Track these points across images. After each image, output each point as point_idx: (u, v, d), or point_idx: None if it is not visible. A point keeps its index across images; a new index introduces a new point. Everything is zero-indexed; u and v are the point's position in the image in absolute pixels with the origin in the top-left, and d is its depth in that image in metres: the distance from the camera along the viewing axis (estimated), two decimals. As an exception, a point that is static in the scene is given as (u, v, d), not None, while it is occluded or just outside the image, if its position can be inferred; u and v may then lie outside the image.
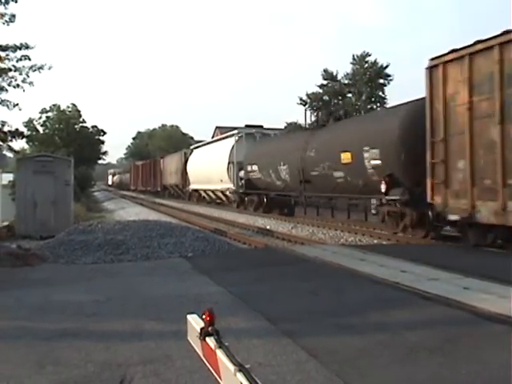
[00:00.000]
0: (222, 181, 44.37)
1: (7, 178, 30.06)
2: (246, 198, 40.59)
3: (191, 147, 63.27)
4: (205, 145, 57.03)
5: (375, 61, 66.03)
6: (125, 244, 15.50)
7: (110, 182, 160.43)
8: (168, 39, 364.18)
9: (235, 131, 45.24)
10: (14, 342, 7.24)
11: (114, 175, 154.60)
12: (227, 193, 44.68)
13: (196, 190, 55.67)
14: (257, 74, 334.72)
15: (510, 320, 7.58)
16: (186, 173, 58.33)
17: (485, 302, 8.72)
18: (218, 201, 49.24)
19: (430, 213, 17.94)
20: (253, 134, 43.57)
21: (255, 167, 37.07)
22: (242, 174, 40.43)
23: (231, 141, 44.32)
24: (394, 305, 8.91)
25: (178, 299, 9.37)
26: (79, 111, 67.29)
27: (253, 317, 8.26)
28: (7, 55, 27.75)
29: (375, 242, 21.18)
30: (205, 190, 52.12)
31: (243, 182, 40.15)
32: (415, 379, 5.80)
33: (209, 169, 47.69)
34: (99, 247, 15.32)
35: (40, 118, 64.30)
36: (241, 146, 42.16)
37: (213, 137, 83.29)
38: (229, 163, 42.92)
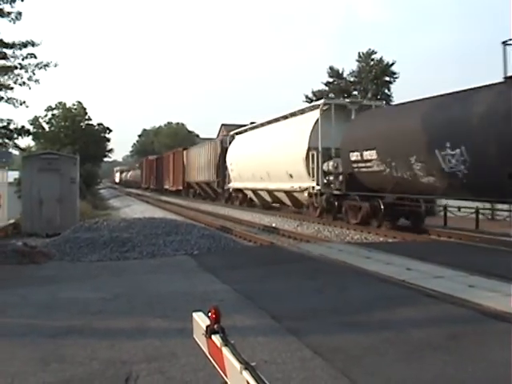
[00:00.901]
0: (292, 176, 31.25)
1: (13, 175, 30.06)
2: (346, 204, 26.18)
3: (231, 133, 47.71)
4: (257, 127, 41.47)
5: (381, 58, 66.15)
6: (130, 242, 15.50)
7: (117, 180, 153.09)
8: (174, 37, 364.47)
9: (319, 101, 31.25)
10: (19, 339, 7.25)
11: (121, 172, 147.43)
12: (304, 195, 30.21)
13: (240, 190, 42.93)
14: (262, 72, 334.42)
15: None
16: (225, 167, 45.37)
17: (490, 300, 8.71)
18: (277, 205, 37.60)
19: None
20: (345, 107, 29.19)
21: (370, 154, 23.14)
22: (328, 165, 27.76)
23: (313, 116, 29.76)
24: (399, 303, 8.90)
25: (184, 297, 9.38)
26: (85, 109, 67.20)
27: (258, 315, 8.26)
28: (13, 53, 27.79)
29: (381, 239, 21.17)
30: (255, 190, 38.90)
31: (337, 178, 27.18)
32: (421, 377, 5.79)
33: (268, 160, 34.29)
34: (105, 245, 15.33)
35: (46, 115, 64.26)
36: (328, 124, 28.10)
37: (218, 135, 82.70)
38: (309, 150, 28.89)
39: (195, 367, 5.82)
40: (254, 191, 39.24)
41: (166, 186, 74.05)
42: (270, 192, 35.96)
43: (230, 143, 46.28)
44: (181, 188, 65.74)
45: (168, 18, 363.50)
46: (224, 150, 46.95)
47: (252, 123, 45.38)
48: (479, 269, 11.41)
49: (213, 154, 51.32)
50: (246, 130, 44.14)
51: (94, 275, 12.15)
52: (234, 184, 43.88)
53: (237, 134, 45.88)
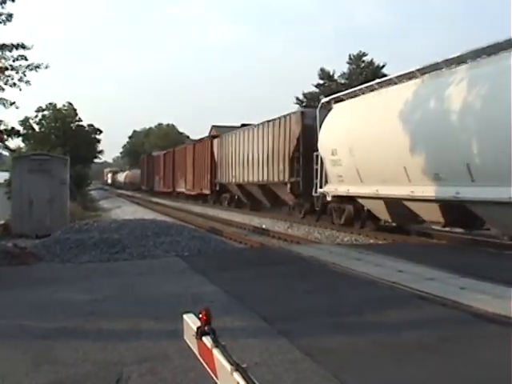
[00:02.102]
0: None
1: (3, 176, 30.08)
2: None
3: (323, 100, 26.87)
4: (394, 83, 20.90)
5: (371, 60, 66.37)
6: (121, 243, 15.48)
7: (109, 181, 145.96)
8: (165, 38, 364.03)
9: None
10: (10, 340, 7.23)
11: (114, 173, 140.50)
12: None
13: (353, 200, 23.79)
14: (252, 74, 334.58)
15: (507, 320, 7.60)
16: (306, 159, 28.12)
17: (481, 302, 8.73)
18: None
19: None
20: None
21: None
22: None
23: None
24: (390, 304, 8.92)
25: (174, 298, 9.36)
26: (75, 110, 66.90)
27: (249, 316, 8.26)
28: (3, 54, 27.69)
29: (371, 241, 21.20)
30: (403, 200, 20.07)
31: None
32: (412, 379, 5.81)
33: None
34: (95, 246, 15.30)
35: (36, 116, 63.99)
36: None
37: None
38: None
39: (186, 368, 5.81)
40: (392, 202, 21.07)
41: (181, 189, 59.98)
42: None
43: (322, 117, 25.54)
44: (207, 192, 49.27)
45: (158, 19, 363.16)
46: (307, 131, 28.28)
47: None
48: (470, 271, 11.45)
49: (282, 138, 31.84)
50: (362, 92, 23.19)
51: (85, 276, 12.11)
52: (338, 188, 24.21)
53: (337, 100, 25.26)
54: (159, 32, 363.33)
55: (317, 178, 25.75)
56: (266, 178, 34.38)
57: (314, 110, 27.50)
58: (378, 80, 23.03)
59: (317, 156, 25.80)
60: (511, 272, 11.06)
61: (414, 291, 9.74)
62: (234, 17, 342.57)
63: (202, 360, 3.62)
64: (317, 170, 25.77)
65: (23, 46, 27.68)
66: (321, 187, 25.38)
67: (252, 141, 37.33)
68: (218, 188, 46.72)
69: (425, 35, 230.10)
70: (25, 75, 29.03)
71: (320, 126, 25.27)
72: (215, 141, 47.97)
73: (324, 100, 26.64)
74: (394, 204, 20.79)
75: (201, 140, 54.87)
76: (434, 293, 9.48)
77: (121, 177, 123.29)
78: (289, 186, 30.59)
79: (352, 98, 23.91)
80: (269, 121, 34.84)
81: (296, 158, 29.69)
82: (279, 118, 33.02)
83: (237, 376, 2.97)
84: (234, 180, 41.47)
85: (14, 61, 28.12)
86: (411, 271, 11.77)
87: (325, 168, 25.04)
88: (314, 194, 26.13)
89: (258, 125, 37.14)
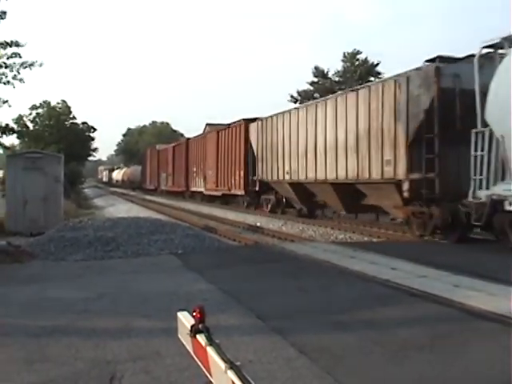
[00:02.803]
0: None
1: (-3, 174, 30.02)
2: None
3: (488, 43, 15.35)
4: None
5: (366, 58, 66.21)
6: (115, 241, 15.47)
7: (104, 179, 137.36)
8: (157, 36, 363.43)
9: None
10: (3, 338, 7.21)
11: (111, 170, 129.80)
12: None
13: None
14: (246, 72, 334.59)
15: (500, 318, 7.62)
16: (485, 140, 15.20)
17: (474, 299, 8.76)
18: None
19: None
20: None
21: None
22: None
23: None
24: (384, 302, 8.93)
25: (168, 296, 9.36)
26: (69, 108, 66.82)
27: (243, 314, 8.27)
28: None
29: (365, 239, 21.21)
30: None
31: None
32: (405, 376, 5.82)
33: None
34: (89, 244, 15.27)
35: (30, 114, 63.95)
36: None
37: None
38: None
39: (180, 367, 5.81)
40: None
41: (197, 188, 49.43)
42: None
43: (484, 73, 15.38)
44: (239, 193, 38.24)
45: (153, 18, 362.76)
46: (445, 97, 17.86)
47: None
48: (463, 268, 11.48)
49: (387, 112, 20.53)
50: None
51: (79, 274, 12.10)
52: None
53: None
54: (153, 31, 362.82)
55: (480, 171, 15.47)
56: (351, 174, 23.00)
57: (456, 66, 18.06)
58: None
59: (480, 135, 15.47)
60: (504, 270, 11.07)
61: (407, 289, 9.76)
62: (226, 13, 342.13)
63: (196, 358, 3.62)
64: (480, 157, 15.42)
65: (17, 44, 27.57)
66: (487, 187, 15.22)
67: (321, 121, 25.79)
68: (257, 188, 34.74)
69: (419, 33, 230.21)
70: (19, 73, 28.94)
71: (482, 88, 15.21)
72: (253, 126, 35.17)
73: (487, 43, 15.60)
74: None
75: (228, 126, 41.06)
76: (428, 290, 9.51)
77: (118, 174, 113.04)
78: (406, 186, 19.25)
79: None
80: (356, 89, 24.40)
81: (424, 143, 18.26)
82: (381, 82, 22.87)
83: (231, 374, 2.96)
84: (285, 177, 29.99)
85: (7, 58, 28.02)
86: (404, 269, 11.79)
87: (503, 154, 14.78)
88: (471, 198, 15.70)
89: (332, 97, 26.42)
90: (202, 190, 47.70)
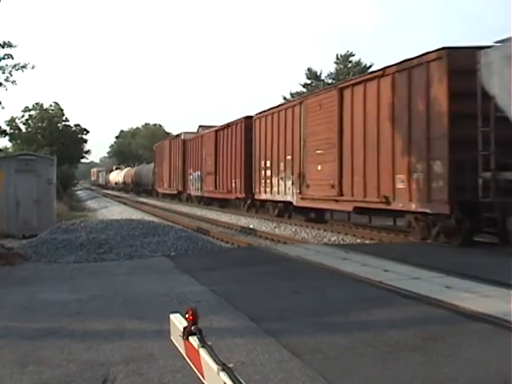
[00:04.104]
0: None
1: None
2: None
3: None
4: None
5: (359, 61, 66.50)
6: (108, 243, 15.46)
7: (100, 182, 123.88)
8: (150, 38, 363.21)
9: None
10: (-5, 341, 7.21)
11: (108, 172, 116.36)
12: None
13: None
14: (239, 74, 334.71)
15: (492, 319, 7.64)
16: None
17: (466, 300, 8.78)
18: None
19: None
20: None
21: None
22: None
23: None
24: (376, 304, 8.94)
25: (161, 298, 9.36)
26: (62, 110, 66.73)
27: (235, 316, 8.26)
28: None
29: (358, 241, 21.23)
30: None
31: None
32: (398, 378, 5.82)
33: None
34: (82, 246, 15.26)
35: (22, 116, 63.87)
36: None
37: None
38: None
39: (173, 369, 5.81)
40: None
41: (267, 196, 31.01)
42: None
43: None
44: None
45: (146, 20, 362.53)
46: None
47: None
48: (456, 270, 11.50)
49: None
50: None
51: (71, 277, 12.09)
52: None
53: None
54: (147, 33, 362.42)
55: None
56: None
57: None
58: None
59: None
60: (496, 271, 11.11)
61: (400, 290, 9.77)
62: (220, 16, 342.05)
63: (188, 360, 3.62)
64: None
65: (10, 45, 27.55)
66: None
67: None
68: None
69: (413, 35, 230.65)
70: (11, 75, 28.93)
71: None
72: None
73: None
74: None
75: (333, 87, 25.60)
76: (420, 292, 9.52)
77: (118, 176, 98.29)
78: None
79: None
80: None
81: None
82: None
83: (223, 376, 2.97)
84: None
85: (0, 60, 27.99)
86: (397, 270, 11.81)
87: None
88: None
89: None
90: (292, 199, 27.73)
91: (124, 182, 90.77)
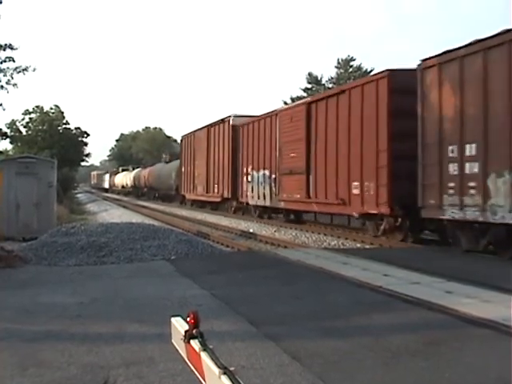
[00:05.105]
0: None
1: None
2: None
3: None
4: None
5: (360, 65, 66.53)
6: (108, 246, 15.44)
7: (105, 185, 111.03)
8: (150, 41, 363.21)
9: None
10: (-4, 343, 7.21)
11: (113, 174, 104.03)
12: None
13: None
14: (240, 78, 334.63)
15: (493, 324, 7.64)
16: None
17: (467, 306, 8.77)
18: None
19: None
20: None
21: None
22: None
23: None
24: (376, 308, 8.94)
25: (162, 302, 9.37)
26: (62, 113, 66.78)
27: (236, 320, 8.27)
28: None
29: (358, 245, 21.22)
30: None
31: None
32: (399, 382, 5.83)
33: None
34: (82, 249, 15.25)
35: (23, 119, 63.93)
36: None
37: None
38: None
39: (173, 372, 5.81)
40: None
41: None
42: None
43: None
44: None
45: (146, 24, 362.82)
46: None
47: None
48: (456, 275, 11.50)
49: None
50: None
51: (72, 280, 12.09)
52: None
53: None
54: (147, 36, 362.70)
55: None
56: None
57: None
58: None
59: None
60: (497, 276, 11.12)
61: (400, 295, 9.77)
62: (220, 19, 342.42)
63: (189, 363, 3.62)
64: None
65: (11, 47, 27.59)
66: None
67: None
68: None
69: (414, 40, 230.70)
70: (12, 78, 28.95)
71: None
72: None
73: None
74: None
75: None
76: (420, 297, 9.52)
77: (125, 178, 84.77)
78: None
79: None
80: None
81: None
82: None
83: (224, 379, 2.96)
84: None
85: (1, 62, 28.05)
86: (397, 275, 11.81)
87: None
88: None
89: None
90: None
91: (134, 185, 79.37)
